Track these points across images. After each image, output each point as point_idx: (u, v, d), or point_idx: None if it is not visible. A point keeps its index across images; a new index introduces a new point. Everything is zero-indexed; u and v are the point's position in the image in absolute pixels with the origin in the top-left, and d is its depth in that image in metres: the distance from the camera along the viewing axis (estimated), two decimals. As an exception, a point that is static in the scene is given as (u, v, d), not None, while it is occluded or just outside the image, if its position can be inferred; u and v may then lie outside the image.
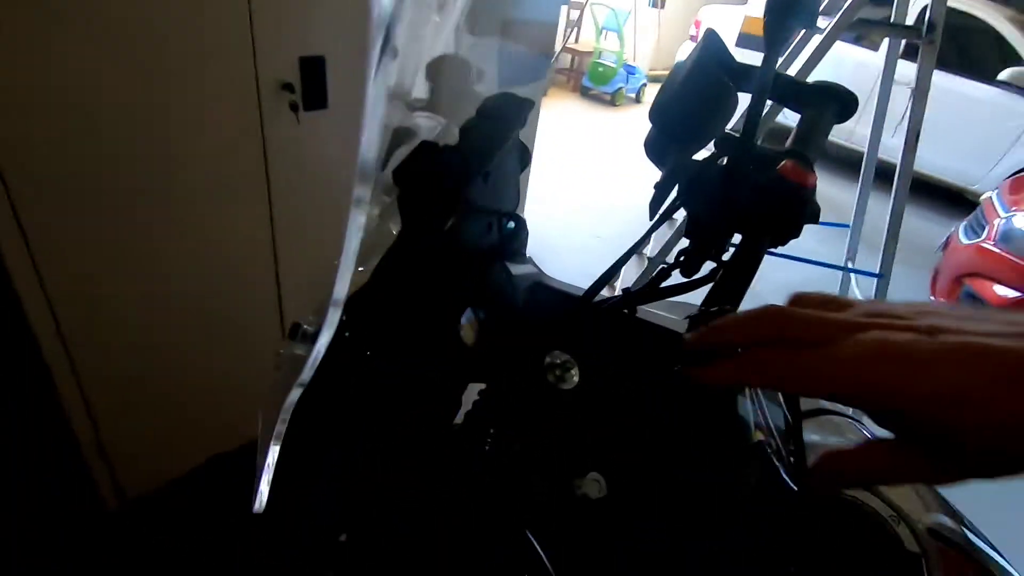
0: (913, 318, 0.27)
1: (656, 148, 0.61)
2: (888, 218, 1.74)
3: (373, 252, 0.44)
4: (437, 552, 0.42)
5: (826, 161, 4.97)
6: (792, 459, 0.43)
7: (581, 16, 6.94)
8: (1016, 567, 0.49)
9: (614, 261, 0.56)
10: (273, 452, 0.29)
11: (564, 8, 6.45)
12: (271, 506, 0.33)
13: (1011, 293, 2.41)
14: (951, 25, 1.64)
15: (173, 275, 1.29)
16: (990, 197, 2.90)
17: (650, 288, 0.53)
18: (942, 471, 0.25)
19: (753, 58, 0.48)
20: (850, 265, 2.18)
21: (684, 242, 0.55)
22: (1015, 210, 2.60)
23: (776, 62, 0.51)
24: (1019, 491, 2.12)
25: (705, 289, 0.52)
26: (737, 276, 0.49)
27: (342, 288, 0.27)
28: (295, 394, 0.28)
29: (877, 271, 1.82)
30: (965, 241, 2.76)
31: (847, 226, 2.23)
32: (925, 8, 1.53)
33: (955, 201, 4.90)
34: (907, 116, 1.59)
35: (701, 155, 0.58)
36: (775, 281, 3.35)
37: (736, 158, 0.48)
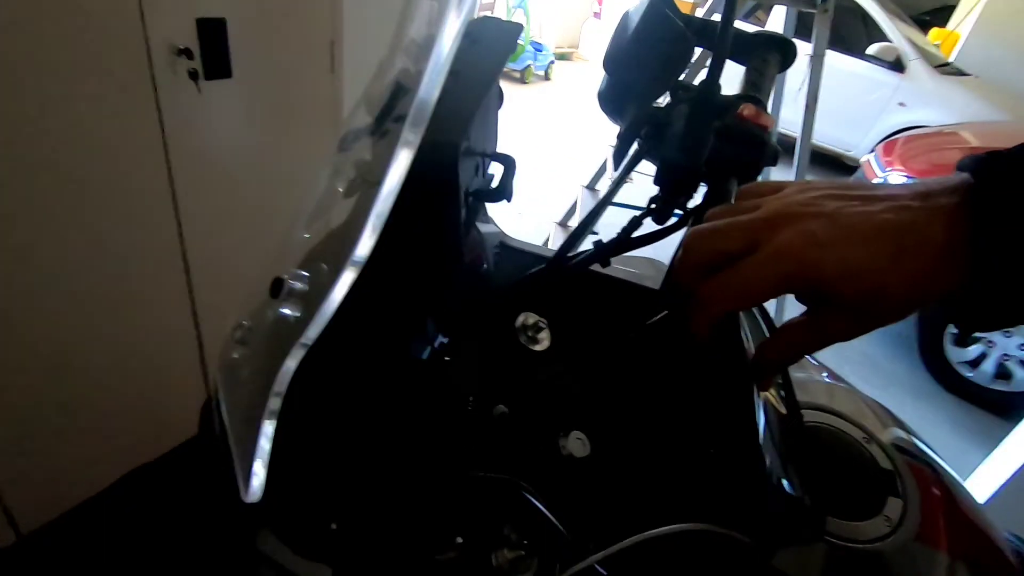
0: (821, 204, 0.31)
1: (611, 99, 0.60)
2: (794, 177, 1.87)
3: (320, 216, 0.39)
4: (435, 533, 0.39)
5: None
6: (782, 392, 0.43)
7: (487, -8, 6.84)
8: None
9: (584, 218, 0.55)
10: (268, 430, 0.24)
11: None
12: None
13: (891, 244, 2.70)
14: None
15: (60, 279, 1.11)
16: (869, 160, 3.22)
17: (622, 239, 0.52)
18: (849, 330, 0.31)
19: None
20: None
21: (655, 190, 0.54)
22: (890, 169, 2.90)
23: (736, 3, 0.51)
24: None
25: (677, 237, 0.52)
26: None
27: (364, 248, 0.23)
28: (296, 356, 0.23)
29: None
30: (850, 200, 3.04)
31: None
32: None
33: (837, 167, 5.39)
34: (806, 82, 1.70)
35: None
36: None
37: (700, 102, 0.47)
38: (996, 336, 2.50)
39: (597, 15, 7.28)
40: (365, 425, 0.36)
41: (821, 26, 1.64)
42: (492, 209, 0.63)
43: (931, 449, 0.55)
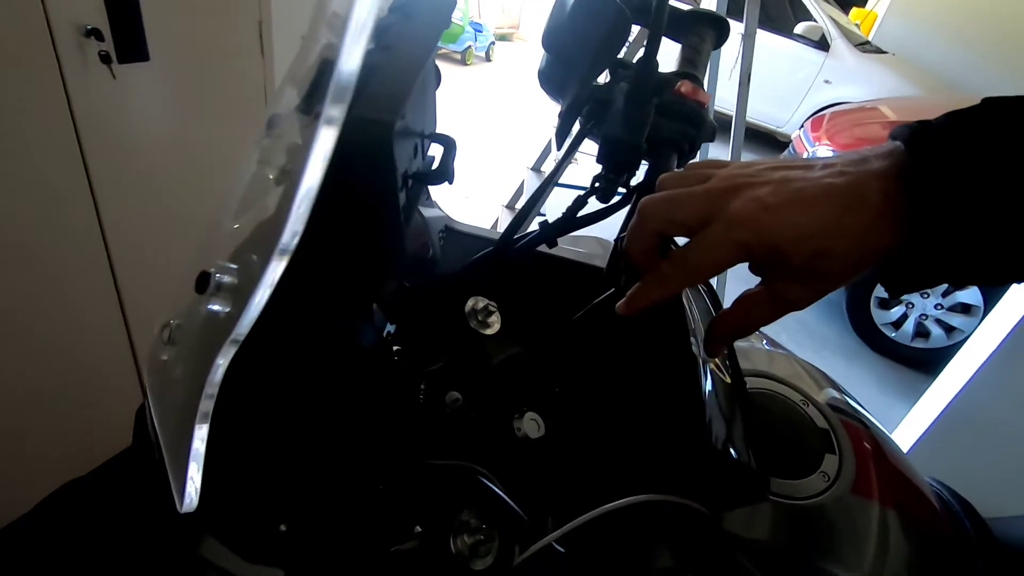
0: (766, 174, 0.32)
1: (552, 77, 0.60)
2: (730, 153, 1.93)
3: (250, 205, 0.37)
4: (391, 525, 0.39)
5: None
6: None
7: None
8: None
9: (529, 199, 0.54)
10: (200, 435, 0.23)
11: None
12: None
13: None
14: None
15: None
16: (799, 135, 3.36)
17: (567, 219, 0.52)
18: (803, 296, 0.32)
19: None
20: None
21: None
22: (818, 144, 3.04)
23: None
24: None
25: (621, 215, 0.52)
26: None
27: (290, 235, 0.21)
28: (225, 356, 0.22)
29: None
30: (783, 175, 3.18)
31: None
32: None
33: (770, 143, 5.62)
34: (740, 60, 1.75)
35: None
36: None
37: (639, 79, 0.47)
38: (915, 298, 2.69)
39: (535, -6, 7.24)
40: (308, 421, 0.35)
41: (752, 5, 1.68)
42: (437, 193, 0.61)
43: (862, 406, 0.59)
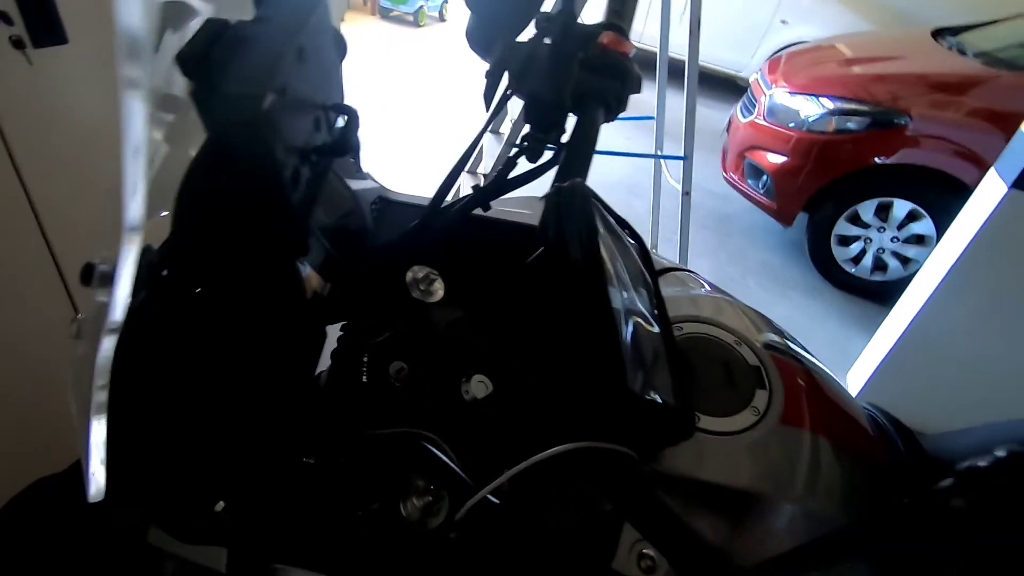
0: None
1: (479, 37, 0.58)
2: (684, 104, 1.93)
3: (171, 191, 0.36)
4: (338, 495, 0.40)
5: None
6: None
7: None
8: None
9: (456, 163, 0.54)
10: (98, 427, 0.23)
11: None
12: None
13: (780, 159, 2.88)
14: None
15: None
16: (756, 79, 3.36)
17: (499, 181, 0.52)
18: None
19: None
20: (659, 153, 2.40)
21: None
22: (775, 87, 3.04)
23: None
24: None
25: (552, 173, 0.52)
26: (580, 152, 0.50)
27: (135, 209, 0.21)
28: (107, 345, 0.22)
29: (681, 155, 2.04)
30: (743, 120, 3.19)
31: (652, 118, 2.43)
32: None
33: (730, 88, 5.60)
34: (688, 6, 1.73)
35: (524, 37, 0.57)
36: (601, 175, 3.58)
37: (560, 34, 0.47)
38: (872, 232, 2.77)
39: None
40: (230, 394, 0.35)
41: (697, -53, 1.65)
42: (386, 162, 0.60)
43: (801, 346, 0.61)
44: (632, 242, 0.49)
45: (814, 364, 0.58)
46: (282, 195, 0.33)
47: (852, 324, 2.70)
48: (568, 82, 0.50)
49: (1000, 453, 0.42)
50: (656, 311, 0.44)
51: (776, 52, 4.45)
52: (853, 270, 2.88)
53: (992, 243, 1.72)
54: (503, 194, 0.52)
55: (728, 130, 3.42)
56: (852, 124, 2.71)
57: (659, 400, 0.37)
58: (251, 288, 0.36)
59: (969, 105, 2.56)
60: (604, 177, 3.32)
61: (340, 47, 0.47)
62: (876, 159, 2.66)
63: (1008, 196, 1.63)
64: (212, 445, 0.33)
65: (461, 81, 4.95)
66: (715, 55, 5.34)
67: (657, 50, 2.29)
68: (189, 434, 0.33)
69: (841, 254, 2.88)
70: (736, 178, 3.17)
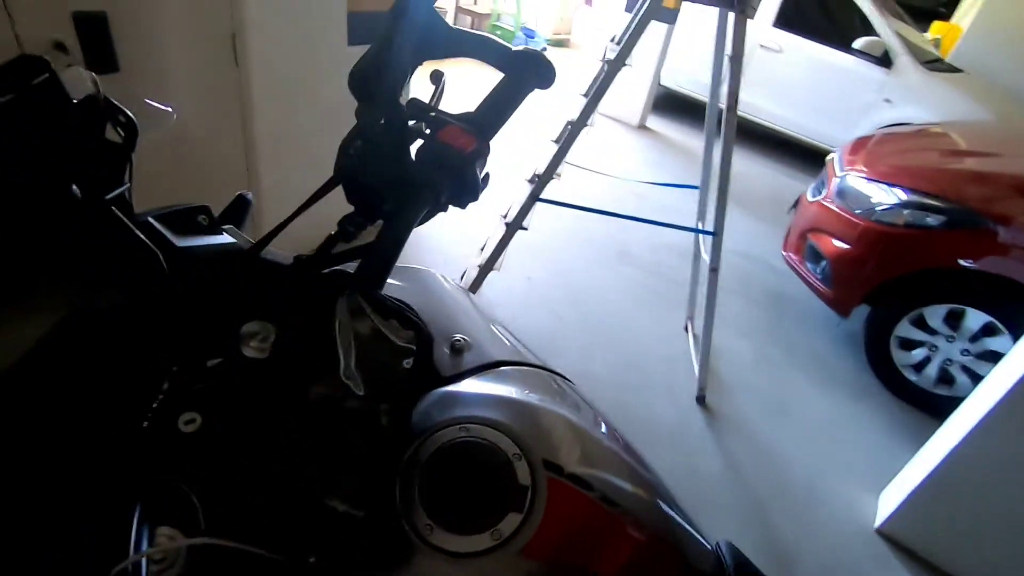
0: None
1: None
2: (718, 177, 1.87)
3: None
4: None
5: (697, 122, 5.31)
6: None
7: (478, -23, 6.76)
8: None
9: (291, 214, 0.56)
10: None
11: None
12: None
13: (843, 245, 2.67)
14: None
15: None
16: (832, 158, 3.18)
17: (319, 254, 0.54)
18: None
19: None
20: (700, 225, 2.32)
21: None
22: (849, 170, 2.86)
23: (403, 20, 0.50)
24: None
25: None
26: (380, 257, 0.50)
27: None
28: None
29: (711, 230, 1.96)
30: (811, 199, 3.01)
31: (696, 188, 2.37)
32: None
33: (819, 161, 5.32)
34: (727, 76, 1.69)
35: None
36: (640, 243, 3.46)
37: (369, 127, 0.49)
38: (939, 341, 2.49)
39: (588, 2, 7.17)
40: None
41: (739, 28, 1.62)
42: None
43: (642, 465, 0.57)
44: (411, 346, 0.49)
45: (635, 499, 0.53)
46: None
47: (900, 436, 2.41)
48: (383, 169, 0.51)
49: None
50: (394, 421, 0.44)
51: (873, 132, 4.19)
52: (914, 378, 2.59)
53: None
54: (325, 268, 0.54)
55: (796, 207, 3.24)
56: (931, 220, 2.47)
57: (352, 512, 0.36)
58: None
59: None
60: (646, 241, 3.19)
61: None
62: (960, 261, 2.40)
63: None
64: None
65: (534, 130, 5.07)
66: (811, 127, 5.12)
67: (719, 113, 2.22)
68: None
69: (902, 358, 2.60)
70: (795, 259, 2.98)
